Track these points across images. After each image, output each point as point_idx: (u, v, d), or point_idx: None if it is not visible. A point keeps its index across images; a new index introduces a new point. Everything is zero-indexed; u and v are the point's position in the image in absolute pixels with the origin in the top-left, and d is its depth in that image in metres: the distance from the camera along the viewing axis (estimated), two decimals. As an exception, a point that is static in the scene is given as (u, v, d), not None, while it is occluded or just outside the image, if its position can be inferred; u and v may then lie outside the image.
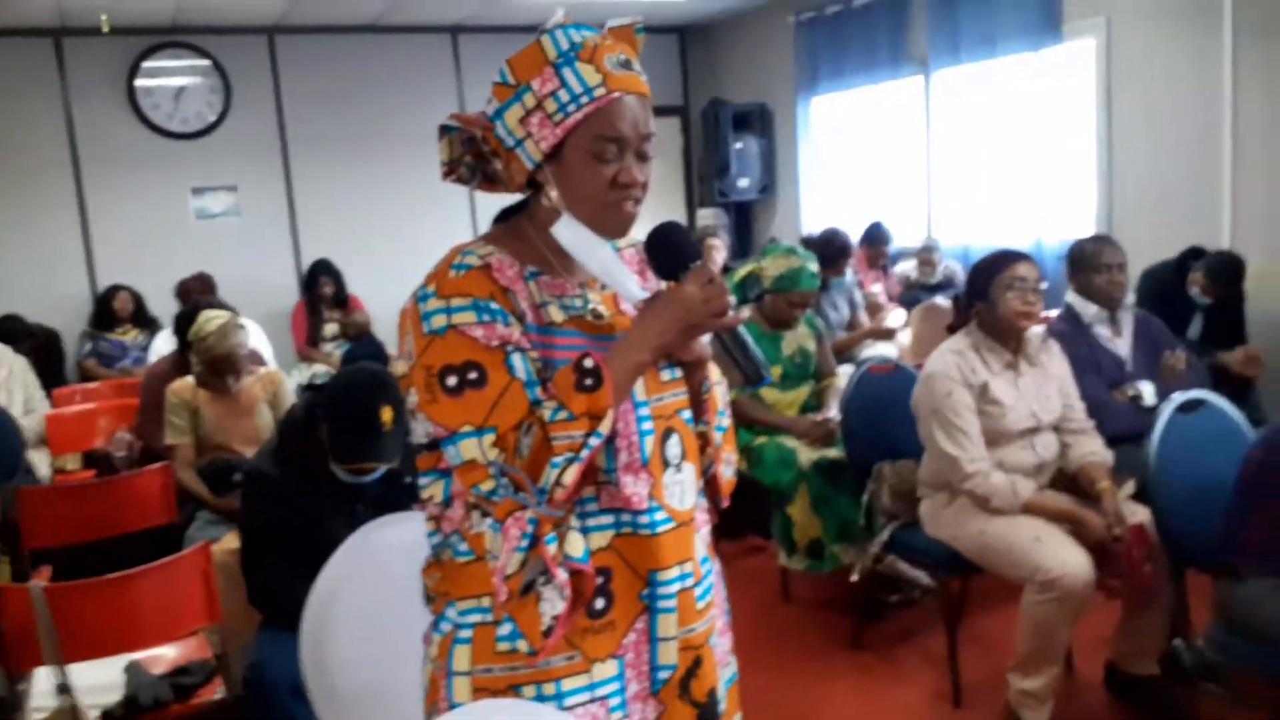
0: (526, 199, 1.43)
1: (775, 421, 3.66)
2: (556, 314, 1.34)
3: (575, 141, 1.30)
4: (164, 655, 2.59)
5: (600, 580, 1.33)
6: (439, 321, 1.29)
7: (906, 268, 6.00)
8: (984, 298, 2.86)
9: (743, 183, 7.42)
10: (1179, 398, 2.73)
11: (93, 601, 2.26)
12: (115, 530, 3.20)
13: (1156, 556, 2.65)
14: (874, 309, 5.44)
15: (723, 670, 1.49)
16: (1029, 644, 2.65)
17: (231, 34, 6.48)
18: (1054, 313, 3.59)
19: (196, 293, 5.29)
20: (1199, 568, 2.60)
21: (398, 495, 2.45)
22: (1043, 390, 2.88)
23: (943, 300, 5.08)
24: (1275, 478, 2.25)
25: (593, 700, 1.34)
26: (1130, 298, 3.55)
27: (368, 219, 6.95)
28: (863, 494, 3.31)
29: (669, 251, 1.36)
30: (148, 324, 5.99)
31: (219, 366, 3.45)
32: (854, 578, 3.25)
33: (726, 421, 1.52)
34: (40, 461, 4.35)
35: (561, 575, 1.28)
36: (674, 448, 1.40)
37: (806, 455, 3.54)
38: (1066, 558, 2.59)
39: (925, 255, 5.85)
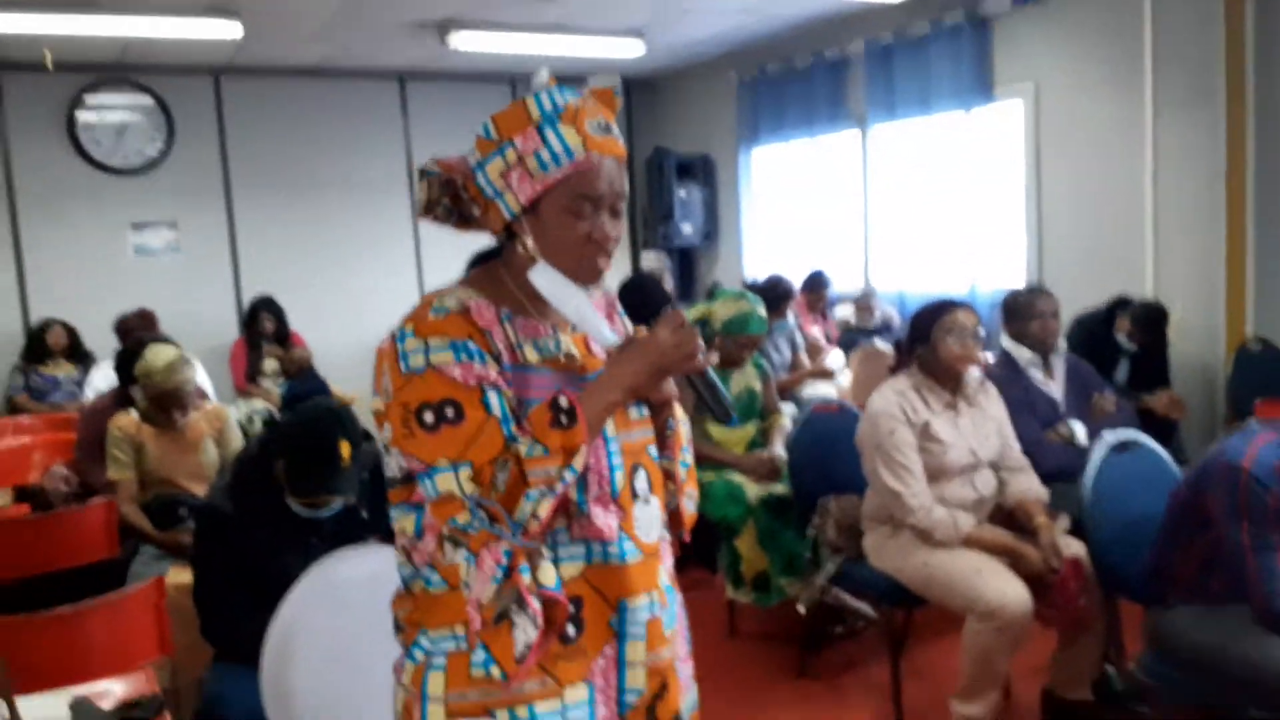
0: (500, 246, 1.49)
1: (723, 458, 3.74)
2: (531, 354, 1.39)
3: (553, 198, 1.36)
4: (110, 691, 2.53)
5: (572, 609, 1.38)
6: (417, 361, 1.33)
7: (845, 312, 6.17)
8: (925, 341, 2.98)
9: (686, 228, 7.56)
10: (1112, 438, 2.87)
11: (43, 635, 2.22)
12: (56, 565, 3.12)
13: (1091, 587, 2.77)
14: (814, 351, 5.58)
15: (685, 695, 1.54)
16: (971, 671, 2.74)
17: (177, 74, 6.45)
18: (988, 355, 3.74)
19: (137, 329, 5.20)
20: (1131, 598, 2.72)
21: (352, 529, 2.46)
22: (981, 429, 3.00)
23: (881, 344, 5.24)
24: (1200, 512, 2.37)
25: None
26: (1062, 343, 3.71)
27: (310, 258, 6.93)
28: (808, 528, 3.39)
29: (642, 298, 1.44)
30: (82, 358, 5.87)
31: (165, 402, 3.41)
32: (800, 609, 3.32)
33: (689, 458, 1.59)
34: (-32, 499, 4.23)
35: (535, 604, 1.33)
36: (642, 482, 1.46)
37: (754, 491, 3.62)
38: (1006, 589, 2.69)
39: (863, 301, 6.02)
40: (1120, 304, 4.45)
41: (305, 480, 2.37)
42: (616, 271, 1.48)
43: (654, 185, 7.56)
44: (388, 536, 2.23)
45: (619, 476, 1.41)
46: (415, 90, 7.32)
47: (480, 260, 1.53)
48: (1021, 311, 3.60)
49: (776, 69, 6.91)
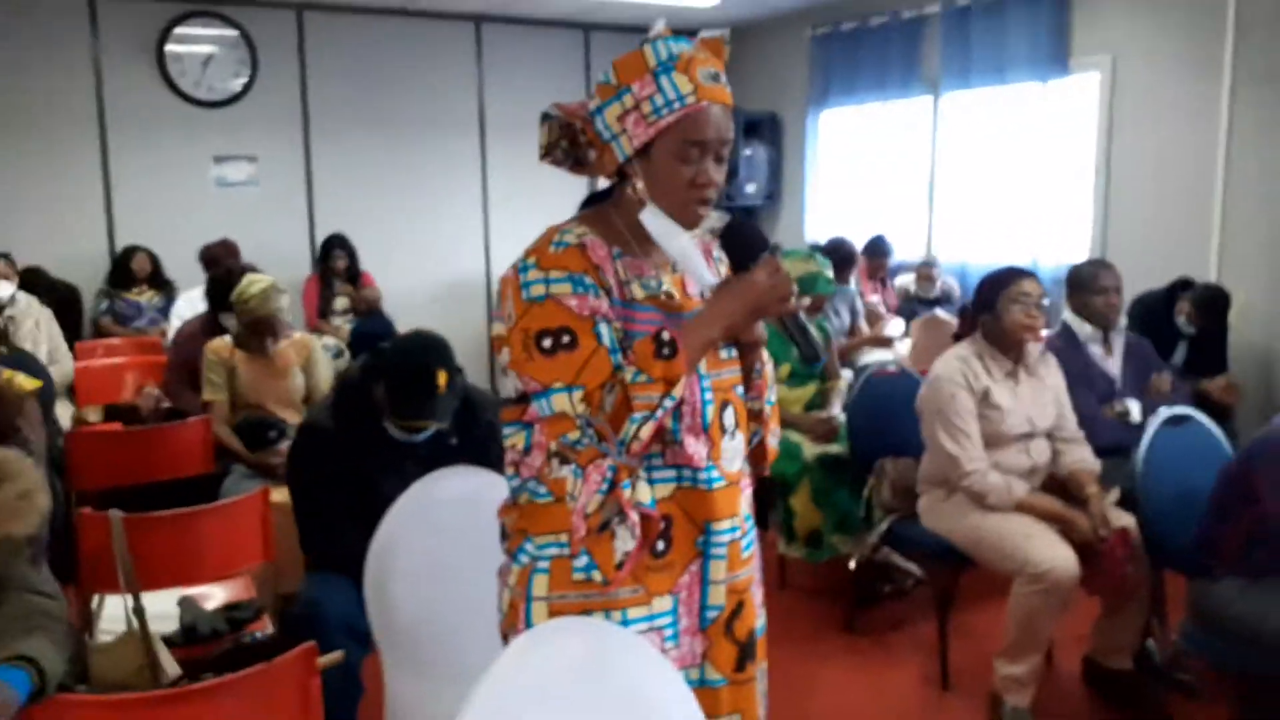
0: (611, 188, 1.62)
1: (783, 417, 3.86)
2: (638, 291, 1.53)
3: (664, 142, 1.48)
4: (213, 594, 2.75)
5: (663, 525, 1.53)
6: (538, 290, 1.47)
7: (906, 281, 6.21)
8: (990, 310, 3.06)
9: (750, 188, 7.61)
10: (1166, 412, 2.95)
11: (163, 534, 2.43)
12: (156, 477, 3.34)
13: (1138, 558, 2.86)
14: (873, 318, 5.65)
15: (759, 616, 1.69)
16: (1016, 632, 2.86)
17: (262, 6, 6.59)
18: (1049, 332, 3.81)
19: (221, 258, 5.40)
20: (1176, 570, 2.82)
21: (443, 454, 2.61)
22: (1039, 399, 3.09)
23: (943, 313, 5.31)
24: (1249, 488, 2.46)
25: (651, 629, 1.54)
26: (1123, 321, 3.77)
27: (383, 197, 7.09)
28: (863, 488, 3.51)
29: (742, 243, 1.56)
30: (163, 285, 6.09)
31: (259, 328, 3.60)
32: (852, 565, 3.46)
33: (774, 398, 1.72)
34: (62, 413, 4.47)
35: (634, 516, 1.49)
36: (730, 417, 1.59)
37: (810, 450, 3.74)
38: (1055, 553, 2.80)
39: (925, 270, 6.06)
40: (1182, 285, 4.47)
41: (404, 404, 2.53)
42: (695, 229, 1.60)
43: (724, 141, 7.60)
44: (474, 461, 2.40)
45: (709, 410, 1.55)
46: (490, 33, 7.40)
47: (591, 201, 1.66)
48: (1086, 285, 3.66)
49: (851, 27, 6.88)
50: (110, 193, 6.34)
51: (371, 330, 5.76)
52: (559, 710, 1.43)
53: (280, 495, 2.80)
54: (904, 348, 5.33)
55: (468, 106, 7.42)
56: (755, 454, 1.71)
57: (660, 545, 1.54)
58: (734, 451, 1.60)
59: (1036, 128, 5.75)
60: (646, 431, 1.43)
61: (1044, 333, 3.17)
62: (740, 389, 1.63)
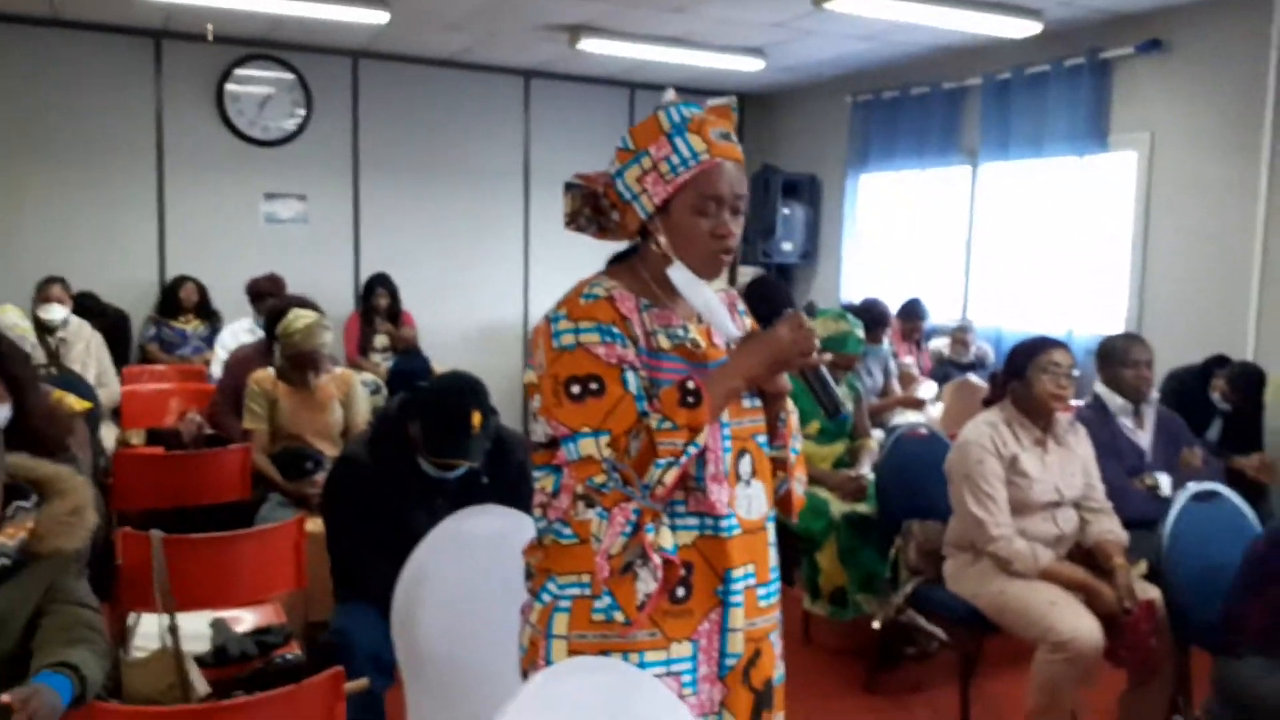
0: (636, 245, 1.69)
1: (810, 473, 3.87)
2: (664, 341, 1.59)
3: (682, 198, 1.56)
4: (244, 618, 2.80)
5: (683, 572, 1.57)
6: (568, 339, 1.54)
7: (940, 344, 6.23)
8: (1020, 377, 3.09)
9: (786, 246, 7.70)
10: (1195, 486, 2.95)
11: (200, 557, 2.49)
12: (194, 501, 3.42)
13: (1163, 632, 2.85)
14: (906, 380, 5.67)
15: (777, 665, 1.72)
16: (1038, 701, 2.84)
17: (320, 53, 6.83)
18: (1079, 402, 3.82)
19: (267, 291, 5.54)
20: (1202, 646, 2.80)
21: (474, 492, 2.67)
22: (1067, 468, 3.10)
23: (976, 378, 5.32)
24: (1274, 567, 2.46)
25: (669, 674, 1.57)
26: (1154, 394, 3.77)
27: (426, 241, 7.25)
28: (890, 548, 3.52)
29: (767, 298, 1.63)
30: (209, 316, 6.26)
31: (301, 362, 3.69)
32: (876, 625, 3.45)
33: (799, 446, 1.77)
34: (106, 434, 4.59)
35: (656, 559, 1.53)
36: (746, 465, 1.64)
37: (838, 507, 3.75)
38: (1079, 623, 2.79)
39: (959, 334, 6.08)
40: (1218, 362, 4.46)
41: (438, 442, 2.60)
42: (717, 283, 1.68)
43: (759, 201, 7.70)
44: (504, 501, 2.45)
45: (727, 459, 1.59)
46: (539, 88, 7.60)
47: (619, 258, 1.73)
48: (1118, 358, 3.67)
49: (892, 96, 7.00)
50: (164, 224, 6.54)
51: (409, 369, 5.87)
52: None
53: (314, 525, 2.87)
54: (936, 411, 5.34)
55: (513, 158, 7.60)
56: (782, 502, 1.75)
57: (680, 591, 1.57)
58: (749, 499, 1.64)
59: (1074, 200, 5.80)
60: (671, 477, 1.48)
61: (1073, 403, 3.19)
62: (760, 438, 1.68)
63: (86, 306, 5.49)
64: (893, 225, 7.25)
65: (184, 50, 6.49)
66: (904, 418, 5.05)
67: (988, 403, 3.24)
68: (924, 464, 3.52)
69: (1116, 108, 5.65)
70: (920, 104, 6.80)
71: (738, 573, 1.60)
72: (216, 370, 5.24)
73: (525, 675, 1.64)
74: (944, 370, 5.88)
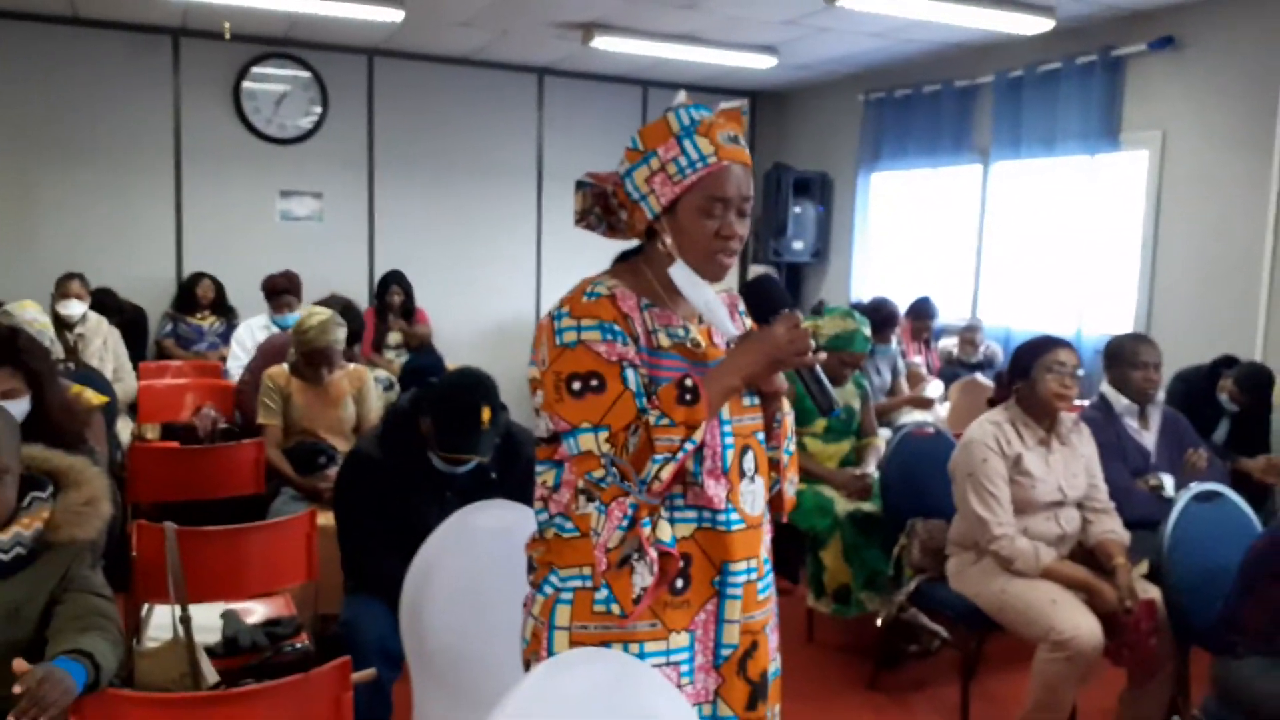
0: (642, 244, 1.72)
1: (816, 471, 3.91)
2: (664, 340, 1.63)
3: (689, 199, 1.59)
4: (254, 609, 2.86)
5: (682, 564, 1.61)
6: (570, 336, 1.58)
7: (949, 344, 6.24)
8: (1025, 377, 3.11)
9: (797, 245, 7.72)
10: (1197, 487, 2.97)
11: (213, 549, 2.55)
12: (208, 494, 3.49)
13: (1163, 632, 2.87)
14: (914, 379, 5.68)
15: (772, 659, 1.75)
16: (1037, 698, 2.87)
17: (336, 51, 6.89)
18: (1085, 402, 3.83)
19: (282, 289, 5.60)
20: (1201, 646, 2.82)
21: (482, 487, 2.72)
22: (1070, 468, 3.12)
23: (983, 378, 5.33)
24: (1274, 567, 2.48)
25: (668, 664, 1.61)
26: (1161, 395, 3.78)
27: (440, 238, 7.31)
28: (894, 547, 3.55)
29: (764, 298, 1.66)
30: (225, 312, 6.33)
31: (315, 359, 3.75)
32: (879, 622, 3.48)
33: (793, 447, 1.81)
34: (122, 428, 4.66)
35: (653, 553, 1.57)
36: (749, 462, 1.68)
37: (843, 506, 3.78)
38: (1080, 621, 2.82)
39: (968, 334, 6.08)
40: (1225, 363, 4.46)
41: (448, 438, 2.64)
42: (727, 280, 1.71)
43: (770, 200, 7.73)
44: (512, 496, 2.50)
45: (730, 455, 1.63)
46: (552, 85, 7.64)
47: (624, 257, 1.77)
48: (1125, 359, 3.68)
49: (904, 94, 7.01)
50: (181, 221, 6.62)
51: (422, 365, 5.89)
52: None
53: (326, 518, 2.92)
54: (943, 410, 5.35)
55: (527, 155, 7.64)
56: (773, 501, 1.78)
57: (679, 583, 1.61)
58: (753, 495, 1.68)
59: (1085, 199, 5.80)
60: (667, 472, 1.52)
61: (1079, 402, 3.20)
62: (762, 435, 1.72)
63: (104, 303, 5.56)
64: (904, 224, 7.26)
65: (201, 48, 6.57)
66: (911, 417, 5.07)
67: (993, 402, 3.27)
68: (929, 463, 3.54)
69: (1129, 106, 5.64)
70: (932, 102, 6.80)
71: (739, 566, 1.64)
72: (233, 366, 5.31)
73: (527, 666, 1.68)
74: (952, 370, 5.89)
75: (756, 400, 1.71)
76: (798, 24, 5.97)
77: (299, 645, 2.50)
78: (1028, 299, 6.26)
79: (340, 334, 3.78)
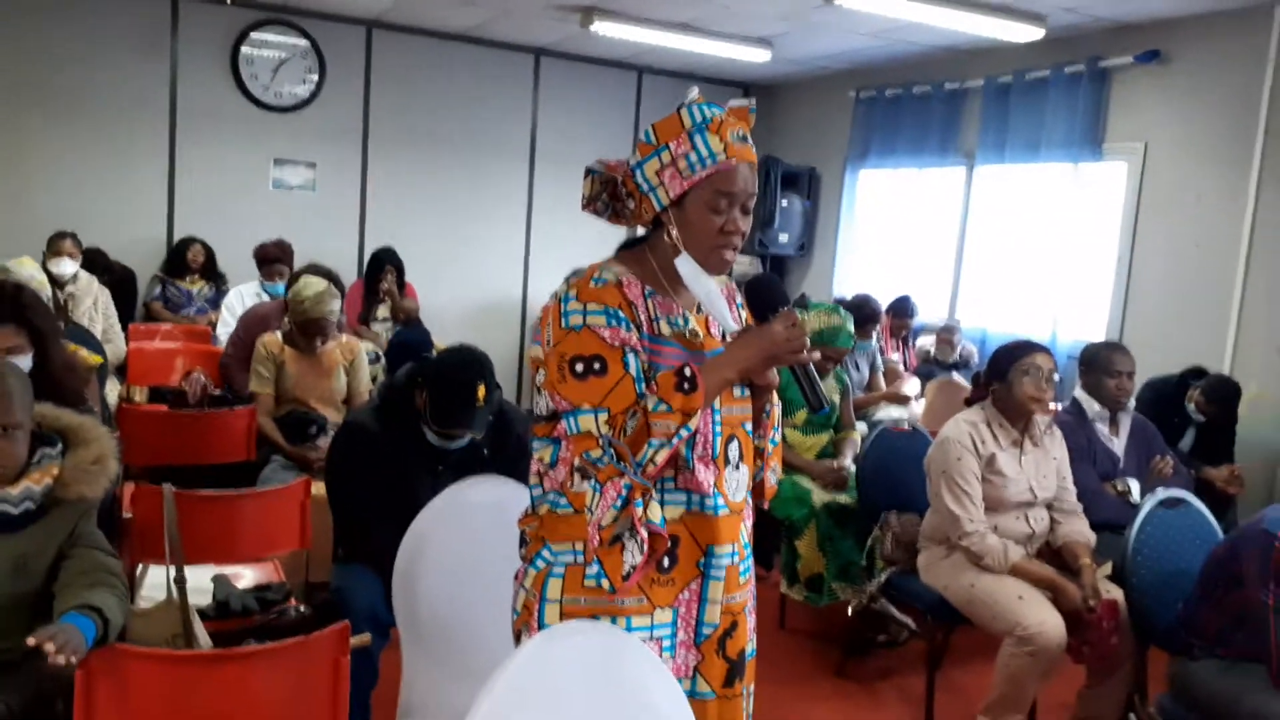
0: (648, 234, 1.79)
1: (794, 462, 3.99)
2: (665, 328, 1.70)
3: (696, 193, 1.66)
4: (244, 575, 2.92)
5: (669, 544, 1.69)
6: (576, 320, 1.65)
7: (927, 343, 6.35)
8: (1002, 379, 3.21)
9: (783, 238, 7.80)
10: (1162, 493, 3.08)
11: (208, 513, 2.60)
12: (198, 460, 3.52)
13: (1124, 631, 2.97)
14: (891, 375, 5.79)
15: (750, 639, 1.84)
16: (1001, 690, 2.98)
17: (335, 20, 6.87)
18: (1057, 406, 3.93)
19: (274, 257, 5.62)
20: (1161, 646, 2.93)
21: (474, 463, 2.78)
22: (1042, 469, 3.22)
23: (959, 378, 5.44)
24: (1232, 573, 2.58)
25: (651, 639, 1.70)
26: (1131, 403, 3.89)
27: (431, 213, 7.33)
28: (867, 538, 3.65)
29: (764, 295, 1.74)
30: (215, 277, 6.33)
31: (309, 329, 3.79)
32: (850, 611, 3.59)
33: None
34: (110, 390, 4.67)
35: (643, 532, 1.64)
36: (735, 450, 1.76)
37: (819, 496, 3.88)
38: (1045, 617, 2.92)
39: (946, 334, 6.19)
40: (1194, 374, 4.58)
41: (444, 413, 2.70)
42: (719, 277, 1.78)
43: (758, 192, 7.79)
44: (502, 472, 2.57)
45: (717, 443, 1.71)
46: (548, 67, 7.66)
47: (628, 245, 1.84)
48: (1100, 366, 3.78)
49: (894, 93, 7.09)
50: (174, 184, 6.61)
51: (409, 340, 5.91)
52: (569, 705, 1.58)
53: (319, 488, 2.97)
54: (919, 407, 5.46)
55: (520, 135, 7.67)
56: (756, 489, 1.86)
57: (666, 562, 1.69)
58: (737, 482, 1.76)
59: (1066, 206, 5.91)
60: (662, 456, 1.59)
61: (1053, 406, 3.31)
62: (749, 426, 1.79)
63: (94, 262, 5.55)
64: (888, 222, 7.35)
65: (201, 11, 6.54)
66: (887, 413, 5.18)
67: (969, 402, 3.36)
68: (905, 458, 3.65)
69: (1113, 116, 5.75)
70: (922, 102, 6.89)
71: (723, 549, 1.72)
72: (222, 331, 5.33)
73: (518, 637, 1.76)
74: (929, 368, 6.00)
75: (747, 392, 1.78)
76: (794, 19, 6.03)
77: (300, 609, 2.56)
78: (1005, 302, 6.38)
79: (335, 305, 3.83)
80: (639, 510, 1.63)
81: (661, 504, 1.67)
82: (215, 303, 6.06)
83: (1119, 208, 5.74)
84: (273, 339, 3.84)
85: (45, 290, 3.85)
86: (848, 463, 4.03)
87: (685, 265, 1.68)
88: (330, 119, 6.98)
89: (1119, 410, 3.80)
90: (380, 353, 5.78)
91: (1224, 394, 4.44)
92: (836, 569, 3.80)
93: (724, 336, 1.75)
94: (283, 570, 3.02)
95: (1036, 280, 6.09)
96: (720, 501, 1.71)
